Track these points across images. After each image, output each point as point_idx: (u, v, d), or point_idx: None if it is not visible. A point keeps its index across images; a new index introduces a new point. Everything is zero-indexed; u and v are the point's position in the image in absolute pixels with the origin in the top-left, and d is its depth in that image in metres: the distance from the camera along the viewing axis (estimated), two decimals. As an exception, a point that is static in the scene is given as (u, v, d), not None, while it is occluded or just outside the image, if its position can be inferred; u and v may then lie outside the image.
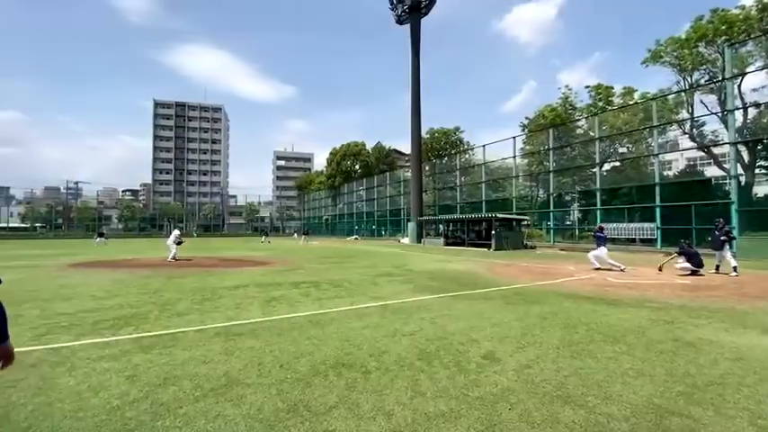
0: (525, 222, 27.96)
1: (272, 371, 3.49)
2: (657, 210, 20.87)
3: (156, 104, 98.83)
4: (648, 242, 21.36)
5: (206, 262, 15.14)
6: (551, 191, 27.35)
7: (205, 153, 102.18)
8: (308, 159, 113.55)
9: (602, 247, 12.26)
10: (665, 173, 25.99)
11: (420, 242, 32.15)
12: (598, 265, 12.04)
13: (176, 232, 16.21)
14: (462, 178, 36.01)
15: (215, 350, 4.08)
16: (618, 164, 29.49)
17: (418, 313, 5.88)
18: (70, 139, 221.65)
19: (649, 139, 25.26)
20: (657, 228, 20.80)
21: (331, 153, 61.18)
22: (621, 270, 11.44)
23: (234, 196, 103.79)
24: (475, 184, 34.01)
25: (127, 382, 3.24)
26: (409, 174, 40.16)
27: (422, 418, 2.63)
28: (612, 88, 32.33)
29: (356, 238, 45.17)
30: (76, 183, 78.51)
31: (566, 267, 12.97)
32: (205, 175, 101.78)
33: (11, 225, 67.37)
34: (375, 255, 19.45)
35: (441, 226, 32.22)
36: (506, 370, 3.56)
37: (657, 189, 20.96)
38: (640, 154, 27.12)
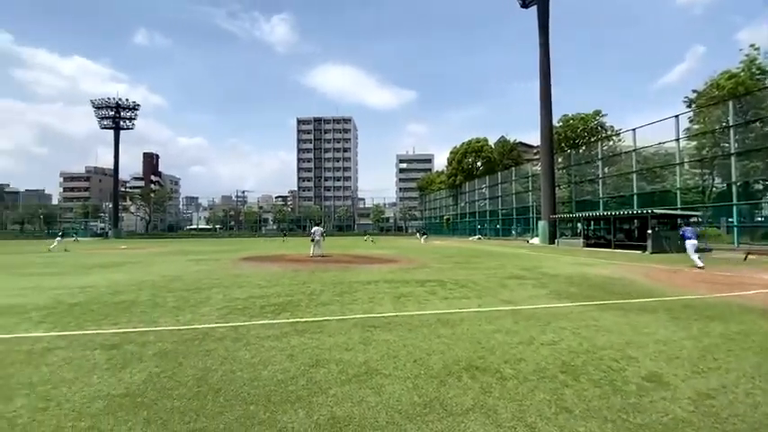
0: (694, 219, 22.69)
1: (407, 365, 3.62)
2: None
3: (299, 122, 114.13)
4: None
5: (342, 258, 16.72)
6: (733, 179, 21.49)
7: (338, 161, 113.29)
8: (429, 160, 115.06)
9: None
10: None
11: (553, 243, 29.22)
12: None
13: (318, 229, 18.36)
14: (606, 169, 31.22)
15: (354, 339, 4.45)
16: None
17: (556, 321, 5.33)
18: (239, 157, 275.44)
19: None
20: None
21: (451, 152, 60.64)
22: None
23: (362, 199, 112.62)
24: (623, 175, 29.10)
25: (287, 360, 3.79)
26: (538, 167, 36.89)
27: (571, 439, 2.37)
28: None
29: (479, 238, 43.74)
30: (243, 192, 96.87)
31: (759, 276, 10.06)
32: (338, 180, 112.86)
33: (199, 226, 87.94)
34: (501, 256, 18.48)
35: (579, 225, 28.66)
36: (679, 397, 2.93)
37: None
38: None
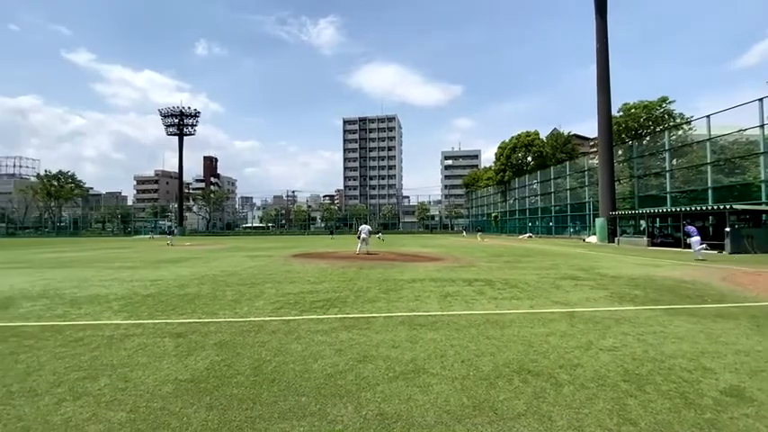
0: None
1: (455, 365, 3.56)
2: None
3: (344, 122, 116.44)
4: None
5: (387, 256, 16.84)
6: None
7: (383, 159, 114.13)
8: (476, 156, 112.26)
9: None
10: None
11: (613, 241, 27.24)
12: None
13: (366, 228, 18.68)
14: (674, 161, 28.49)
15: (401, 337, 4.46)
16: None
17: (618, 326, 4.96)
18: (288, 158, 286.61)
19: None
20: None
21: (499, 147, 58.60)
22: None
23: (407, 197, 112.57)
24: (694, 167, 26.37)
25: (336, 354, 3.89)
26: (595, 161, 34.55)
27: (637, 453, 2.19)
28: None
29: (529, 236, 41.94)
30: (293, 192, 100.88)
31: None
32: (383, 179, 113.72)
33: (253, 225, 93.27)
34: (554, 255, 17.57)
35: (643, 222, 26.44)
36: (765, 415, 2.62)
37: None
38: None
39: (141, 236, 64.12)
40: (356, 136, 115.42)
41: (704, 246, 14.98)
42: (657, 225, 27.25)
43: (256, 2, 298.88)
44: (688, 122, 32.92)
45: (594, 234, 30.76)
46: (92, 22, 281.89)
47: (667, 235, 24.79)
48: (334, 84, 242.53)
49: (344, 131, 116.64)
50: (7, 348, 4.13)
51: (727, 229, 17.57)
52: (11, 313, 5.89)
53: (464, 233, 56.78)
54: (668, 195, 27.34)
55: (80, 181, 76.16)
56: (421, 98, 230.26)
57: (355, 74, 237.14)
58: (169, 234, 36.13)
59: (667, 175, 27.85)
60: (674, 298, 6.94)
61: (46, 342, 4.34)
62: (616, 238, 26.95)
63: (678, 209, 22.32)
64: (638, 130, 38.90)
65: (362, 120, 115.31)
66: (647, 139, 34.59)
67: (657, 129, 36.76)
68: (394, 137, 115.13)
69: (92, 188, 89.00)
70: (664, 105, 38.57)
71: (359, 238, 18.27)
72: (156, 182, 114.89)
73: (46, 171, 74.13)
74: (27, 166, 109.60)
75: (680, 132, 31.83)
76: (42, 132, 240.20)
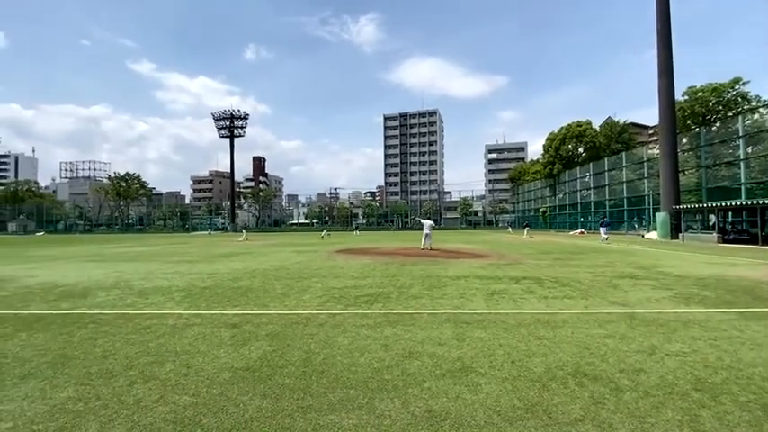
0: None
1: (504, 365, 3.45)
2: None
3: (385, 118, 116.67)
4: None
5: (430, 252, 16.69)
6: None
7: (423, 155, 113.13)
8: (522, 149, 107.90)
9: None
10: None
11: (677, 238, 25.05)
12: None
13: (429, 222, 18.82)
14: (749, 148, 25.57)
15: (447, 334, 4.40)
16: None
17: (685, 330, 4.55)
18: (330, 156, 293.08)
19: None
20: None
21: (548, 139, 55.82)
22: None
23: (449, 192, 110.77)
24: (775, 156, 23.53)
25: (382, 349, 3.91)
26: (655, 151, 31.89)
27: (714, 470, 1.99)
28: None
29: (582, 232, 39.67)
30: (336, 189, 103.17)
31: None
32: (424, 174, 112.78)
33: (299, 221, 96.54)
34: (610, 251, 16.49)
35: (712, 216, 24.06)
36: None
37: None
38: None
39: (198, 232, 68.72)
40: (397, 132, 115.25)
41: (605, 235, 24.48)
42: (729, 220, 24.66)
43: (300, 4, 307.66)
44: (766, 105, 29.35)
45: (655, 230, 28.45)
46: (152, 33, 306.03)
47: (741, 231, 22.37)
48: (374, 81, 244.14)
49: (385, 128, 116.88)
50: (87, 333, 4.59)
51: (818, 224, 15.50)
52: (89, 302, 6.55)
53: (509, 229, 54.89)
54: (743, 186, 24.58)
55: (145, 182, 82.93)
56: (463, 91, 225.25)
57: (396, 70, 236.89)
58: (244, 230, 39.39)
59: (741, 164, 25.03)
60: (752, 300, 6.25)
61: (119, 329, 4.78)
62: (680, 235, 24.76)
63: (755, 202, 20.02)
64: (705, 116, 35.35)
65: (403, 115, 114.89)
66: (717, 125, 31.29)
67: (729, 114, 33.16)
68: (435, 131, 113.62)
69: (154, 188, 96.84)
70: (737, 87, 34.67)
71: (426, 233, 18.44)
72: (211, 182, 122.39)
73: (115, 173, 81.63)
74: (100, 169, 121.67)
75: (756, 117, 28.48)
76: (112, 138, 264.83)
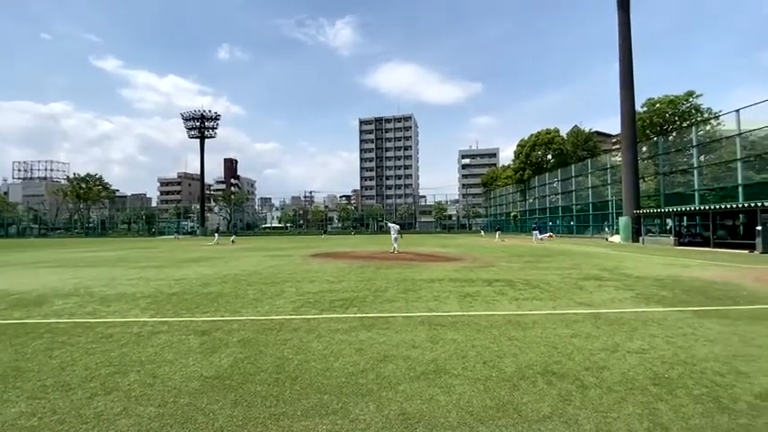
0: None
1: (477, 366, 3.52)
2: None
3: (361, 122, 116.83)
4: None
5: (405, 256, 16.79)
6: None
7: (399, 159, 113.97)
8: (494, 155, 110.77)
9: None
10: None
11: (637, 241, 26.41)
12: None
13: (396, 226, 18.95)
14: (702, 157, 27.37)
15: (421, 337, 4.44)
16: None
17: (645, 328, 4.81)
18: (307, 159, 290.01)
19: None
20: None
21: (519, 145, 57.66)
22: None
23: (424, 197, 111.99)
24: (724, 164, 25.26)
25: (356, 353, 3.90)
26: (618, 158, 33.55)
27: (670, 460, 2.11)
28: None
29: (550, 236, 41.09)
30: (311, 192, 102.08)
31: None
32: (399, 178, 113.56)
33: (272, 225, 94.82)
34: (576, 254, 17.16)
35: (669, 220, 25.55)
36: (809, 423, 2.48)
37: None
38: None
39: (165, 236, 66.10)
40: (372, 136, 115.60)
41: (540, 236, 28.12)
42: (685, 224, 26.27)
43: (276, 5, 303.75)
44: (716, 117, 31.57)
45: (618, 233, 29.89)
46: (119, 29, 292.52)
47: (695, 234, 23.86)
48: (351, 84, 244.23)
49: (360, 132, 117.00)
50: (42, 344, 4.31)
51: (759, 228, 16.78)
52: (45, 310, 6.16)
53: (482, 233, 56.11)
54: (696, 193, 26.28)
55: (107, 183, 79.04)
56: (439, 97, 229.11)
57: (372, 74, 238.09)
58: (216, 233, 37.11)
59: (695, 171, 26.78)
60: (705, 299, 6.67)
61: (78, 338, 4.52)
62: (641, 238, 26.13)
63: (707, 207, 21.43)
64: (663, 126, 37.64)
65: (378, 120, 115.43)
66: (673, 134, 33.37)
67: (684, 124, 35.43)
68: (410, 136, 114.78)
69: (118, 190, 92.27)
70: (690, 100, 37.20)
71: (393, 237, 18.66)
72: (179, 183, 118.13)
73: (75, 174, 77.34)
74: (57, 170, 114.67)
75: (708, 128, 30.59)
76: (73, 137, 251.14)
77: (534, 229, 30.78)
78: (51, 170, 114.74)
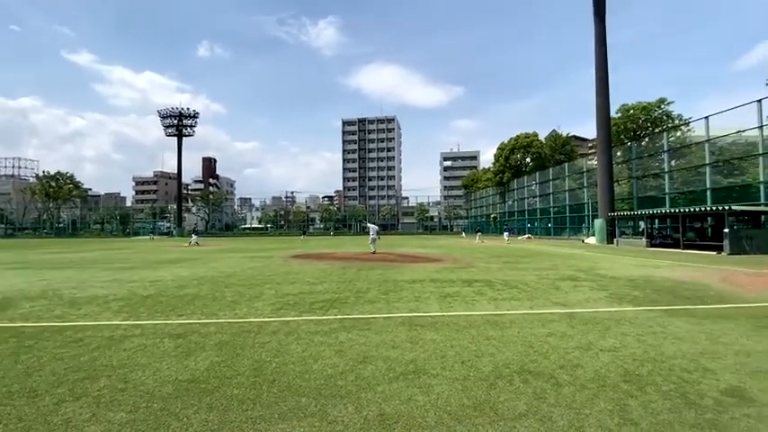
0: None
1: (455, 365, 3.56)
2: None
3: (344, 123, 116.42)
4: None
5: (387, 257, 16.82)
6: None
7: (382, 160, 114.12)
8: (474, 157, 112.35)
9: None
10: None
11: (612, 243, 27.28)
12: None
13: (375, 227, 18.95)
14: (673, 162, 28.54)
15: (401, 337, 4.46)
16: None
17: (618, 327, 4.97)
18: (290, 158, 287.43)
19: None
20: None
21: (498, 148, 58.68)
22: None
23: (406, 198, 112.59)
24: (693, 169, 26.42)
25: (336, 355, 3.88)
26: (594, 162, 34.58)
27: (638, 453, 2.19)
28: None
29: (528, 237, 41.96)
30: (292, 192, 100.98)
31: None
32: (382, 180, 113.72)
33: (252, 226, 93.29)
34: (553, 255, 17.58)
35: (642, 223, 26.50)
36: (766, 415, 2.61)
37: None
38: None
39: (140, 237, 64.11)
40: (355, 137, 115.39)
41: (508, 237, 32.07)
42: (656, 226, 27.30)
43: (257, 3, 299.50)
44: (686, 124, 32.97)
45: (593, 235, 30.80)
46: (94, 23, 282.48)
47: (666, 236, 24.82)
48: (334, 84, 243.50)
49: (343, 132, 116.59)
50: (7, 349, 4.11)
51: (726, 230, 17.61)
52: (10, 314, 5.87)
53: (463, 234, 56.82)
54: (667, 196, 27.41)
55: (78, 182, 75.98)
56: (421, 99, 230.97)
57: (355, 75, 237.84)
58: (195, 234, 35.78)
59: (666, 176, 27.92)
60: (674, 299, 6.95)
61: (45, 343, 4.33)
62: (615, 240, 27.00)
63: (677, 210, 22.37)
64: (636, 132, 39.03)
65: (362, 121, 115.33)
66: (646, 140, 34.69)
67: (656, 130, 36.84)
68: (393, 138, 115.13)
69: (90, 189, 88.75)
70: (662, 107, 38.72)
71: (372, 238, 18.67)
72: (155, 183, 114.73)
73: (44, 172, 74.00)
74: (26, 167, 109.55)
75: (679, 134, 31.91)
76: (43, 133, 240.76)
77: (504, 231, 35.29)
78: (19, 167, 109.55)
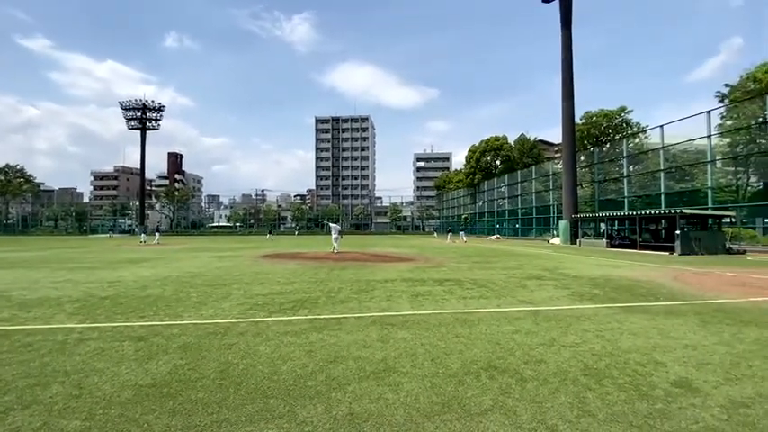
0: (727, 219, 21.72)
1: (425, 363, 3.61)
2: None
3: (317, 121, 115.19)
4: None
5: (359, 257, 16.80)
6: (772, 177, 20.47)
7: (356, 160, 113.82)
8: (447, 159, 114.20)
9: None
10: None
11: (575, 243, 28.52)
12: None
13: (336, 227, 18.79)
14: (631, 167, 30.24)
15: (372, 337, 4.47)
16: None
17: (579, 324, 5.21)
18: (260, 156, 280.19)
19: None
20: None
21: (470, 150, 60.00)
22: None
23: (379, 198, 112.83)
24: (649, 174, 28.14)
25: (306, 355, 3.84)
26: (560, 166, 36.05)
27: (594, 443, 2.31)
28: None
29: (497, 238, 43.14)
30: (263, 190, 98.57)
31: (801, 281, 9.54)
32: (356, 179, 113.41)
33: (220, 224, 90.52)
34: (520, 255, 18.18)
35: (602, 224, 27.87)
36: (710, 405, 2.82)
37: None
38: None
39: (99, 235, 60.69)
40: (329, 135, 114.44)
41: (464, 238, 35.68)
42: (616, 228, 28.77)
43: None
44: (644, 131, 35.02)
45: (558, 236, 32.08)
46: (51, 7, 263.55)
47: (624, 237, 26.22)
48: (308, 82, 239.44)
49: (317, 130, 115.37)
50: (-57, 356, 3.79)
51: (677, 232, 18.83)
52: (-52, 318, 5.40)
53: (435, 234, 57.66)
54: (626, 200, 29.01)
55: (30, 175, 71.03)
56: (397, 100, 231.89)
57: (330, 73, 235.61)
58: (157, 232, 34.84)
59: (625, 180, 29.55)
60: (630, 296, 7.36)
61: (-11, 348, 4.02)
62: (578, 240, 28.24)
63: (634, 212, 23.71)
64: (599, 138, 40.98)
65: (335, 119, 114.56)
66: (608, 146, 36.54)
67: (617, 137, 38.85)
68: (367, 137, 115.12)
69: (43, 183, 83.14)
70: (622, 114, 40.88)
71: (334, 238, 18.51)
72: (116, 178, 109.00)
73: (-10, 164, 68.52)
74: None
75: (637, 140, 33.83)
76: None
77: (460, 231, 39.07)
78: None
